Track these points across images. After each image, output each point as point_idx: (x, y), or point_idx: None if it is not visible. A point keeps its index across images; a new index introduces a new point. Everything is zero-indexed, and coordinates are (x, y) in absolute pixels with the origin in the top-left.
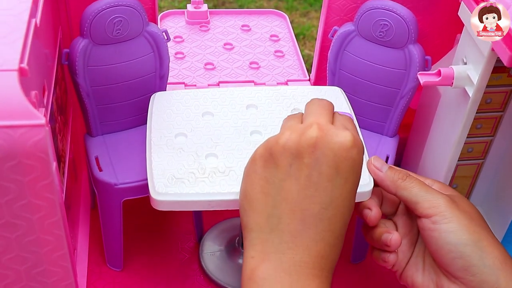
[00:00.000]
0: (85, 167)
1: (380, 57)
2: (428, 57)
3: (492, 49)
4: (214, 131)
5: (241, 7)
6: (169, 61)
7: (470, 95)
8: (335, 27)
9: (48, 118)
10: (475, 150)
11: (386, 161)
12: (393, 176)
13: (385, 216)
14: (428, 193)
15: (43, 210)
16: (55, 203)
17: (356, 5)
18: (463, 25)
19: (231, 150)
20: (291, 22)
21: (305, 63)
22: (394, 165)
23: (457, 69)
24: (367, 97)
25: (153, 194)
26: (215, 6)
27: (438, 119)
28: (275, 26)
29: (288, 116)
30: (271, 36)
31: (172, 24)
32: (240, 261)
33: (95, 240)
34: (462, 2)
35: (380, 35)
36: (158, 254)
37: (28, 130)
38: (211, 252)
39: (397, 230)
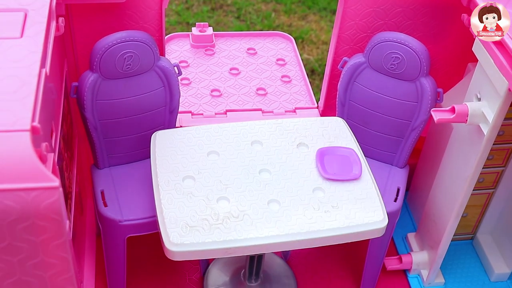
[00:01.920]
0: (91, 197)
1: (391, 89)
2: (440, 90)
3: (509, 90)
4: (222, 172)
5: (239, 10)
6: (180, 96)
7: (485, 133)
8: (345, 58)
9: (56, 161)
10: (486, 180)
11: (397, 194)
12: None
13: None
14: None
15: (56, 268)
16: (68, 261)
17: (366, 34)
18: (474, 55)
19: (242, 192)
20: (289, 26)
21: (304, 67)
22: (402, 192)
23: (472, 106)
24: (378, 128)
25: (168, 245)
26: (213, 9)
27: (450, 152)
28: (281, 49)
29: None
30: (278, 60)
31: (176, 48)
32: None
33: (102, 270)
34: (476, 38)
35: (392, 67)
36: (164, 285)
37: (42, 193)
38: (216, 286)
39: None
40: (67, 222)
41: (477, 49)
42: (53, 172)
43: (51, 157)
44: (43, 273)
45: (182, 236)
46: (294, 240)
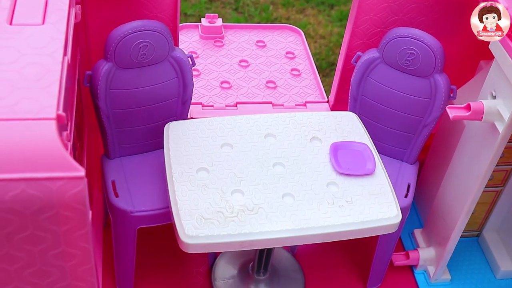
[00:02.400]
0: (98, 188)
1: (405, 85)
2: (454, 87)
3: None
4: (236, 164)
5: (237, 1)
6: (193, 87)
7: (500, 131)
8: (359, 53)
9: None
10: (495, 178)
11: (407, 190)
12: None
13: None
14: None
15: (77, 258)
16: (89, 252)
17: (380, 29)
18: (487, 50)
19: (256, 185)
20: (287, 19)
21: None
22: (413, 188)
23: (487, 104)
24: (389, 124)
25: (183, 237)
26: (210, 1)
27: (462, 149)
28: (290, 42)
29: None
30: (287, 53)
31: (186, 39)
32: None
33: (107, 260)
34: None
35: (406, 63)
36: (172, 277)
37: (67, 182)
38: (224, 279)
39: None
40: (90, 212)
41: (494, 46)
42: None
43: (69, 147)
44: (63, 263)
45: (197, 229)
46: (309, 235)
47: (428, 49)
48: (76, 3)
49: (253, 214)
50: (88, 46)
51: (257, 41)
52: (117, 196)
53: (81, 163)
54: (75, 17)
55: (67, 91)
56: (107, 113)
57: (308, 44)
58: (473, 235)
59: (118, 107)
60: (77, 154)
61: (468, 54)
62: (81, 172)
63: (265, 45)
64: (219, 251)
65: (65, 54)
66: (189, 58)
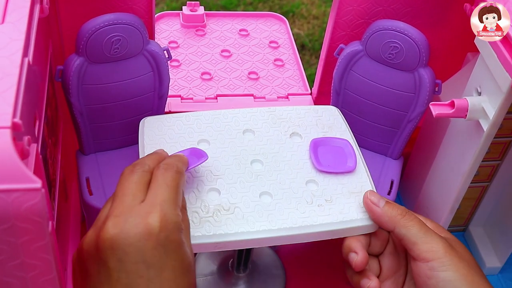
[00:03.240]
0: (76, 181)
1: (388, 79)
2: (439, 81)
3: None
4: (212, 161)
5: None
6: (169, 81)
7: (485, 129)
8: (341, 45)
9: (39, 150)
10: (481, 173)
11: (391, 187)
12: (392, 212)
13: (371, 254)
14: (427, 235)
15: (38, 269)
16: (51, 263)
17: (364, 20)
18: (473, 44)
19: (233, 183)
20: None
21: (295, 41)
22: (396, 185)
23: (472, 101)
24: (373, 118)
25: None
26: None
27: (446, 145)
28: (274, 31)
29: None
30: (270, 42)
31: (166, 27)
32: (234, 286)
33: None
34: None
35: (390, 57)
36: None
37: (23, 194)
38: (203, 276)
39: (381, 270)
40: (50, 223)
41: (480, 41)
42: (36, 165)
43: (34, 149)
44: (24, 274)
45: None
46: (286, 235)
47: (412, 43)
48: None
49: (229, 214)
50: (62, 39)
51: (240, 30)
52: (91, 194)
53: (54, 159)
54: (43, 12)
55: (31, 91)
56: (80, 109)
57: (301, 25)
58: (459, 230)
59: (92, 103)
60: (48, 152)
61: (455, 45)
62: (37, 183)
63: (248, 34)
64: (193, 252)
65: (25, 55)
66: (165, 51)
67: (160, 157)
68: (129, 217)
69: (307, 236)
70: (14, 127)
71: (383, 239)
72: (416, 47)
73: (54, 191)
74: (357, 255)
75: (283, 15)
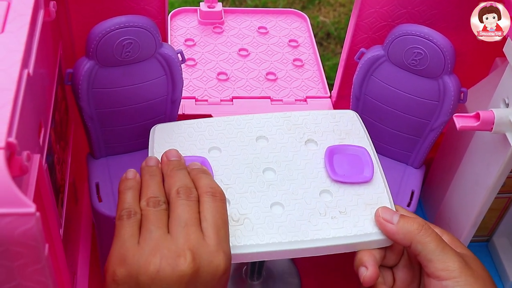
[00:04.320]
0: (87, 185)
1: (411, 86)
2: (464, 89)
3: None
4: (223, 170)
5: None
6: (183, 85)
7: None
8: (362, 49)
9: (43, 159)
10: (507, 184)
11: (411, 197)
12: (407, 228)
13: (385, 266)
14: (444, 253)
15: None
16: (48, 285)
17: (386, 23)
18: (502, 47)
19: (244, 193)
20: None
21: (319, 31)
22: (417, 196)
23: (498, 113)
24: (394, 126)
25: None
26: None
27: (470, 157)
28: (295, 28)
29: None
30: (290, 41)
31: (183, 24)
32: None
33: (98, 262)
34: (508, 38)
35: (413, 63)
36: None
37: (16, 219)
38: None
39: (394, 282)
40: (46, 245)
41: (509, 49)
42: (38, 179)
43: (36, 162)
44: None
45: None
46: (296, 249)
47: (437, 49)
48: (50, 0)
49: (238, 225)
50: (73, 41)
51: (259, 27)
52: (100, 200)
53: (63, 163)
54: (49, 16)
55: (34, 100)
56: (90, 114)
57: (327, 13)
58: (483, 240)
59: (102, 107)
60: (55, 158)
61: (483, 49)
62: (31, 208)
63: (267, 32)
64: None
65: (25, 66)
66: (179, 54)
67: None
68: (205, 253)
69: (318, 250)
70: (8, 147)
71: (398, 252)
72: (441, 54)
73: (63, 196)
74: (367, 270)
75: (309, 2)
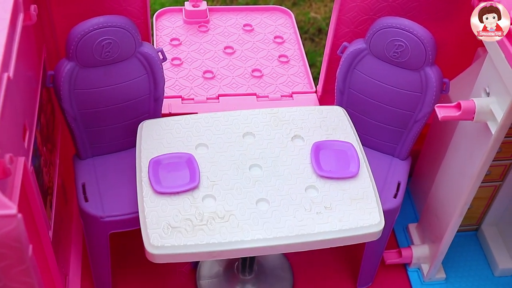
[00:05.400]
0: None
1: (393, 78)
2: (446, 80)
3: None
4: (210, 167)
5: None
6: (164, 83)
7: (493, 132)
8: (345, 43)
9: (28, 162)
10: (493, 173)
11: (398, 188)
12: None
13: None
14: None
15: None
16: (34, 286)
17: (368, 17)
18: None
19: (230, 190)
20: None
21: (310, 27)
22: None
23: (479, 103)
24: (378, 118)
25: (148, 247)
26: None
27: (454, 147)
28: (280, 25)
29: None
30: (275, 37)
31: (168, 24)
32: None
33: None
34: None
35: (394, 55)
36: (153, 276)
37: None
38: (209, 278)
39: None
40: (30, 246)
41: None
42: (24, 181)
43: (21, 164)
44: None
45: (163, 238)
46: (281, 244)
47: (417, 41)
48: (31, 3)
49: (224, 222)
50: (56, 44)
51: (244, 25)
52: (86, 200)
53: (51, 165)
54: (30, 19)
55: (17, 103)
56: (73, 115)
57: (318, 8)
58: (472, 229)
59: (85, 108)
60: (42, 160)
61: (465, 40)
62: (12, 210)
63: (253, 29)
64: (188, 261)
65: (5, 70)
66: (159, 53)
67: None
68: None
69: (303, 245)
70: None
71: None
72: (422, 46)
73: (51, 198)
74: None
75: None
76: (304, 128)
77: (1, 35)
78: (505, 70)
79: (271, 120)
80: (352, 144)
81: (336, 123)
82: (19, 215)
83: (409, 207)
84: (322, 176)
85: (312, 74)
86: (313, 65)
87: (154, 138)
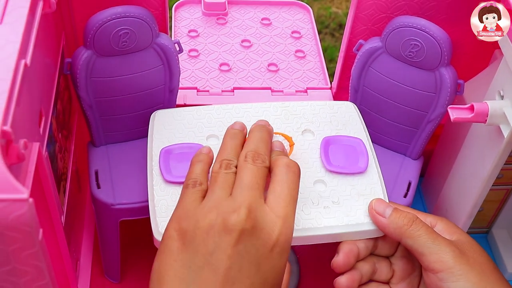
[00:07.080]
0: None
1: (408, 78)
2: (461, 81)
3: None
4: None
5: None
6: (180, 75)
7: (505, 136)
8: (361, 41)
9: (43, 148)
10: (505, 176)
11: (408, 188)
12: (398, 222)
13: (380, 255)
14: (435, 244)
15: (30, 275)
16: (42, 270)
17: (385, 15)
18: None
19: None
20: None
21: (331, 22)
22: (414, 186)
23: (492, 106)
24: (392, 117)
25: (157, 235)
26: None
27: (466, 149)
28: (298, 20)
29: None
30: (293, 32)
31: (187, 15)
32: None
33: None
34: None
35: (410, 55)
36: None
37: (10, 204)
38: None
39: (394, 272)
40: (40, 230)
41: (503, 42)
42: (38, 166)
43: (36, 148)
44: (16, 279)
45: None
46: None
47: (433, 41)
48: None
49: None
50: (75, 31)
51: (262, 19)
52: (98, 187)
53: (66, 152)
54: (50, 7)
55: (31, 93)
56: (88, 102)
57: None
58: (482, 232)
59: (101, 96)
60: (57, 146)
61: (482, 41)
62: (24, 194)
63: (271, 23)
64: None
65: (22, 57)
66: (176, 44)
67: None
68: (261, 214)
69: (309, 239)
70: (3, 135)
71: (393, 242)
72: (438, 46)
73: (65, 184)
74: (337, 256)
75: None
76: (315, 122)
77: (20, 23)
78: None
79: (282, 113)
80: (361, 140)
81: (347, 119)
82: (30, 200)
83: (420, 206)
84: (330, 171)
85: (331, 69)
86: (332, 60)
87: (165, 128)
